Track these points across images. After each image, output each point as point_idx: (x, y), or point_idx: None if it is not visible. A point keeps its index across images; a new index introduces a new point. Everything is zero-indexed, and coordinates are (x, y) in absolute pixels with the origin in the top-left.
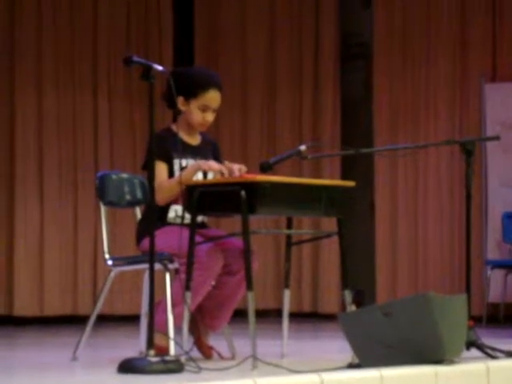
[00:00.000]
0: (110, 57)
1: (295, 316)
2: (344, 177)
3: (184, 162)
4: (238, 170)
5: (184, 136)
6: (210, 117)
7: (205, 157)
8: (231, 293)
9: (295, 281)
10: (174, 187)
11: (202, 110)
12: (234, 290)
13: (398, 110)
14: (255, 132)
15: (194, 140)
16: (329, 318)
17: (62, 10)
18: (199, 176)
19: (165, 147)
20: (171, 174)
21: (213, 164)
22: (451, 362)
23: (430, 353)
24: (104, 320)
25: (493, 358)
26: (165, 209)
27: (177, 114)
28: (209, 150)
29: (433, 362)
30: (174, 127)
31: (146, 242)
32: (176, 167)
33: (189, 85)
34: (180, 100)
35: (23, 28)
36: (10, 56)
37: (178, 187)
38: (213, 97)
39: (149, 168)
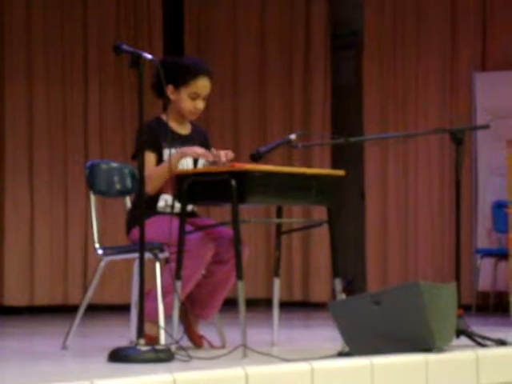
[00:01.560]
0: (100, 47)
1: (286, 305)
2: (334, 166)
3: (174, 151)
4: (224, 156)
5: (174, 125)
6: (200, 105)
7: (194, 146)
8: (221, 282)
9: (286, 270)
10: (162, 175)
11: (193, 98)
12: (224, 278)
13: (388, 98)
14: (246, 121)
15: (184, 129)
16: (319, 306)
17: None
18: (189, 165)
19: (154, 137)
20: (161, 162)
21: (197, 149)
22: (441, 350)
23: (420, 341)
24: (94, 309)
25: (482, 346)
26: (154, 198)
27: (166, 103)
28: (199, 139)
29: (423, 350)
30: (163, 116)
31: (135, 232)
32: (165, 157)
33: (178, 73)
34: (169, 88)
35: (12, 17)
36: None
37: (167, 174)
38: (203, 84)
39: (139, 158)
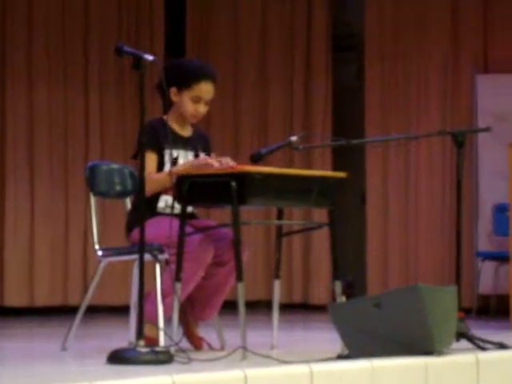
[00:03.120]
0: (102, 49)
1: (286, 307)
2: (335, 168)
3: (175, 153)
4: (225, 164)
5: (175, 127)
6: (202, 108)
7: (195, 149)
8: (221, 283)
9: (286, 272)
10: (163, 180)
11: (195, 102)
12: (223, 280)
13: (389, 100)
14: (247, 123)
15: (186, 131)
16: (319, 309)
17: (53, 1)
18: None
19: (156, 137)
20: (161, 164)
21: (204, 160)
22: (441, 353)
23: (420, 344)
24: (94, 311)
25: (483, 349)
26: (154, 199)
27: (167, 105)
28: (200, 142)
29: (423, 353)
30: (165, 118)
31: (135, 233)
32: (167, 157)
33: (182, 75)
34: (173, 91)
35: (14, 19)
36: (1, 48)
37: (167, 180)
38: (206, 88)
39: (140, 158)
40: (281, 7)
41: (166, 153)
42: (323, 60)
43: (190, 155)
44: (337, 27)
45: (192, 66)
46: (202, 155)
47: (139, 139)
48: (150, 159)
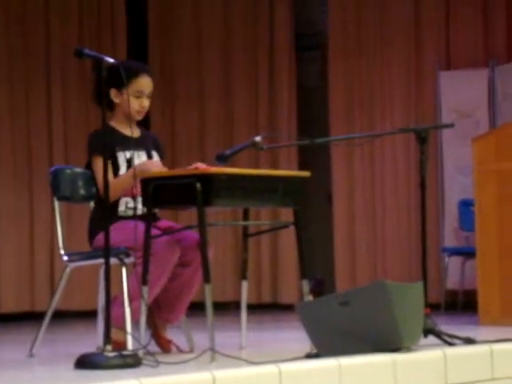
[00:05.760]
0: (63, 51)
1: (255, 307)
2: (301, 168)
3: (128, 154)
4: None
5: (123, 129)
6: (145, 102)
7: (147, 148)
8: (186, 284)
9: (254, 272)
10: (124, 181)
11: (137, 97)
12: (188, 281)
13: (353, 99)
14: (212, 125)
15: (134, 132)
16: (289, 308)
17: (13, 3)
18: None
19: (105, 142)
20: (116, 166)
21: (154, 166)
22: (409, 349)
23: (388, 341)
24: (62, 316)
25: (450, 344)
26: (115, 203)
27: (106, 111)
28: (150, 141)
29: (390, 350)
30: (111, 123)
31: (100, 238)
32: (121, 159)
33: (119, 75)
34: (113, 92)
35: None
36: None
37: (128, 182)
38: (145, 82)
39: (104, 163)
40: (243, 7)
41: (120, 155)
42: (287, 59)
43: (143, 155)
44: (300, 26)
45: (125, 64)
46: (156, 159)
47: (89, 145)
48: (100, 165)
